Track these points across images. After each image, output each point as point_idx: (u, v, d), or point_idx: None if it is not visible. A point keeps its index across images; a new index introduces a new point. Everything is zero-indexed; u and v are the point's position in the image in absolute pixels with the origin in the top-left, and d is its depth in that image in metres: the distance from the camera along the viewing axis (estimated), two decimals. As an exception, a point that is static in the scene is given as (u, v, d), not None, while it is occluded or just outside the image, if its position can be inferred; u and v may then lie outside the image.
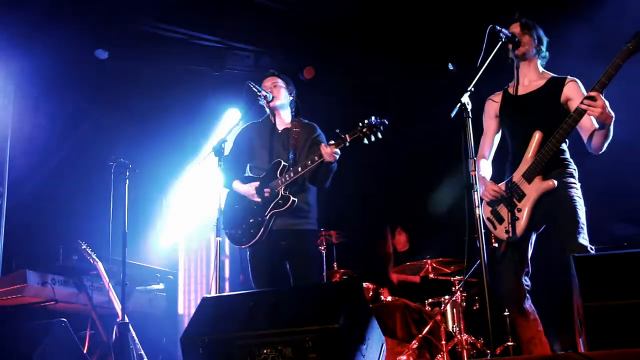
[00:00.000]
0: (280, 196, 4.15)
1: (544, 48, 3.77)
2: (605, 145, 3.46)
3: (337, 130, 3.95)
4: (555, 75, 3.75)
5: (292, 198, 4.13)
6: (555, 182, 3.50)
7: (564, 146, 3.64)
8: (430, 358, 5.14)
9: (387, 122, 3.85)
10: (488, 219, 3.71)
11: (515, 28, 3.70)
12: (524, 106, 3.70)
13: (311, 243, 4.34)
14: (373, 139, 3.84)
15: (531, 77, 3.76)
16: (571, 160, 3.65)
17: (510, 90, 3.83)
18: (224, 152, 4.09)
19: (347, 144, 3.92)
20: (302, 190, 4.24)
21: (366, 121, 3.83)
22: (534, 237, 3.66)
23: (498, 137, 3.94)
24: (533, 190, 3.53)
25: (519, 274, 3.62)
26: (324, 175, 4.15)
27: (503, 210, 3.64)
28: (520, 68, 3.76)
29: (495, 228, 3.68)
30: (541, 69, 3.79)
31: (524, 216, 3.53)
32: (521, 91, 3.75)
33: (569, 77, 3.67)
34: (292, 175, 4.13)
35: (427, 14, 6.35)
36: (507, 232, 3.59)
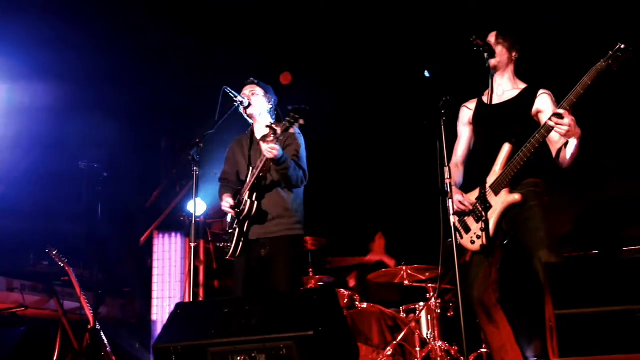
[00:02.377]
0: (244, 202, 4.14)
1: (518, 55, 3.78)
2: (573, 160, 3.47)
3: (270, 123, 3.98)
4: (529, 85, 3.77)
5: (250, 202, 4.10)
6: (521, 197, 3.52)
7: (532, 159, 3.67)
8: (404, 364, 5.15)
9: (306, 107, 3.86)
10: (455, 227, 3.73)
11: (491, 37, 3.74)
12: (496, 116, 3.72)
13: (291, 249, 4.21)
14: (297, 125, 3.86)
15: (505, 86, 3.79)
16: (538, 172, 3.65)
17: (485, 99, 3.84)
18: (199, 157, 4.07)
19: (279, 136, 3.91)
20: (274, 195, 4.20)
21: (288, 108, 3.87)
22: (503, 247, 3.67)
23: (472, 143, 3.96)
24: (499, 202, 3.57)
25: (488, 282, 3.62)
26: (279, 174, 4.10)
27: (470, 220, 3.68)
28: (494, 77, 3.77)
29: (461, 237, 3.69)
30: (515, 79, 3.81)
31: (489, 227, 3.55)
32: (494, 101, 3.76)
33: (541, 89, 3.68)
34: (250, 179, 4.11)
35: (405, 19, 6.39)
36: (472, 242, 3.63)
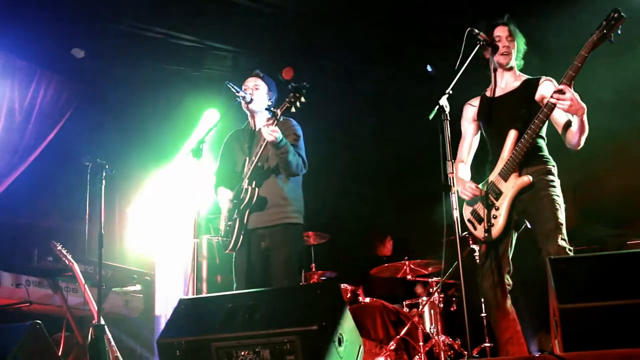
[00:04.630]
0: (243, 190, 4.12)
1: (521, 56, 3.82)
2: (582, 140, 3.47)
3: (270, 107, 3.99)
4: (531, 76, 3.80)
5: (251, 188, 4.09)
6: (531, 178, 3.52)
7: (541, 142, 3.67)
8: (408, 359, 5.16)
9: (307, 85, 3.89)
10: (468, 220, 3.74)
11: (504, 32, 3.74)
12: (500, 107, 3.75)
13: (290, 237, 4.19)
14: (299, 104, 3.88)
15: (508, 79, 3.82)
16: (550, 157, 3.67)
17: (488, 94, 3.87)
18: (201, 152, 4.06)
19: (279, 117, 3.94)
20: (272, 184, 4.19)
21: (289, 87, 3.89)
22: (515, 236, 3.68)
23: (476, 141, 3.97)
24: (509, 188, 3.56)
25: (501, 272, 3.63)
26: (280, 159, 4.08)
27: (482, 210, 3.67)
28: (497, 72, 3.81)
29: (475, 229, 3.71)
30: (517, 72, 3.84)
31: (501, 215, 3.56)
32: (498, 93, 3.80)
33: (543, 76, 3.71)
34: (250, 167, 4.10)
35: (407, 16, 6.37)
36: (485, 231, 3.61)
